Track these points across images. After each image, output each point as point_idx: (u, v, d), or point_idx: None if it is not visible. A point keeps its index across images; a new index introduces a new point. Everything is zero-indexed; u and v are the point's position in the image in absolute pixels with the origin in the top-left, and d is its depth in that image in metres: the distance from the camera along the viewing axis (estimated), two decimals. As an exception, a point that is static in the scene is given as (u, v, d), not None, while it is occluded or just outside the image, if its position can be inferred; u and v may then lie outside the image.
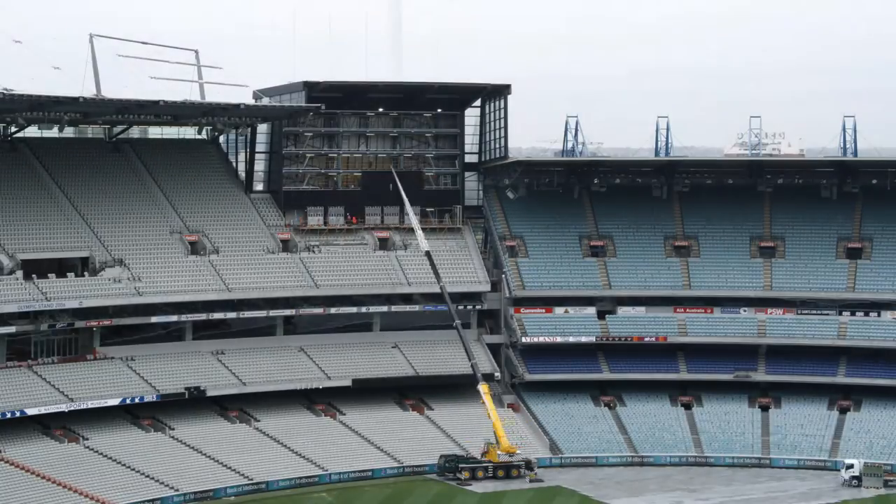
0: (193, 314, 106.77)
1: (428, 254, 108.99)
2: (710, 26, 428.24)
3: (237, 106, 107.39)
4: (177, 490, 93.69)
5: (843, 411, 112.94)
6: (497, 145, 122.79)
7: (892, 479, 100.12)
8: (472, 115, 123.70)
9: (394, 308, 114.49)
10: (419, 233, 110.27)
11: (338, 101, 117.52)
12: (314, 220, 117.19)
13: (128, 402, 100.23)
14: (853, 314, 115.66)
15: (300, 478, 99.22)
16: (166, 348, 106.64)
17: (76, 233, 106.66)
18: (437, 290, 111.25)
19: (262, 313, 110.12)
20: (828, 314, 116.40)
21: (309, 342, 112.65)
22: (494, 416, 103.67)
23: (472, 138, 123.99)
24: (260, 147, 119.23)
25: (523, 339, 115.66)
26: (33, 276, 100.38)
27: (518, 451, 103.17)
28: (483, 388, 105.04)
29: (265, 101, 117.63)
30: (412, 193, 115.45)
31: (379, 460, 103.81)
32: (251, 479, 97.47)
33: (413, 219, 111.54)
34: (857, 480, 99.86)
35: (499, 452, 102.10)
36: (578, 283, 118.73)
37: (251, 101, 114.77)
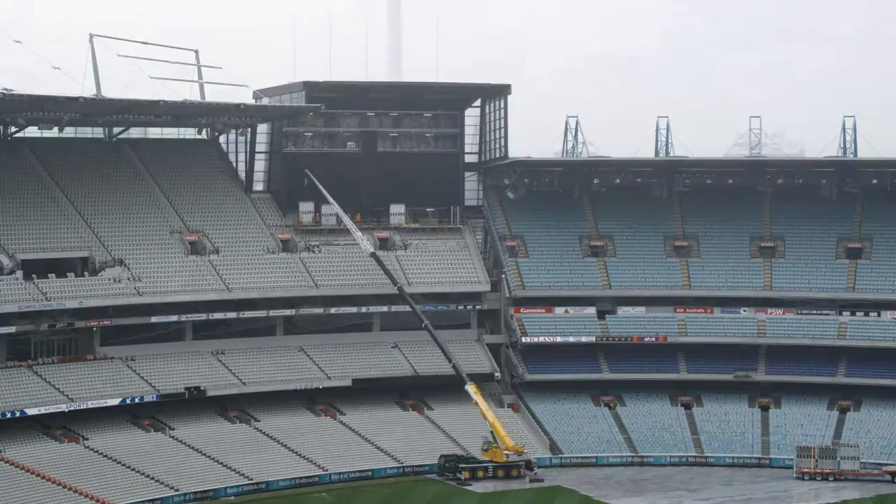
0: (193, 314, 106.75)
1: (374, 255, 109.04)
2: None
3: (237, 106, 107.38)
4: (177, 490, 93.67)
5: (843, 411, 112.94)
6: (497, 145, 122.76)
7: None
8: (472, 115, 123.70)
9: (394, 308, 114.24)
10: (357, 234, 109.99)
11: (338, 101, 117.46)
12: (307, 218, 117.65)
13: (128, 402, 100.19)
14: (853, 314, 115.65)
15: (300, 478, 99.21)
16: (166, 348, 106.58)
17: (76, 233, 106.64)
18: (437, 289, 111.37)
19: (262, 313, 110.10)
20: (828, 314, 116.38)
21: (309, 342, 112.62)
22: (491, 416, 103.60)
23: (472, 138, 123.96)
24: (260, 147, 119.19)
25: (523, 339, 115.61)
26: (33, 276, 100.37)
27: (525, 451, 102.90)
28: (471, 388, 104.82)
29: (265, 101, 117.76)
30: (412, 192, 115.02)
31: (379, 460, 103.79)
32: (251, 479, 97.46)
33: (346, 219, 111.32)
34: None
35: (506, 452, 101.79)
36: (578, 283, 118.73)
37: (251, 101, 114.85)
